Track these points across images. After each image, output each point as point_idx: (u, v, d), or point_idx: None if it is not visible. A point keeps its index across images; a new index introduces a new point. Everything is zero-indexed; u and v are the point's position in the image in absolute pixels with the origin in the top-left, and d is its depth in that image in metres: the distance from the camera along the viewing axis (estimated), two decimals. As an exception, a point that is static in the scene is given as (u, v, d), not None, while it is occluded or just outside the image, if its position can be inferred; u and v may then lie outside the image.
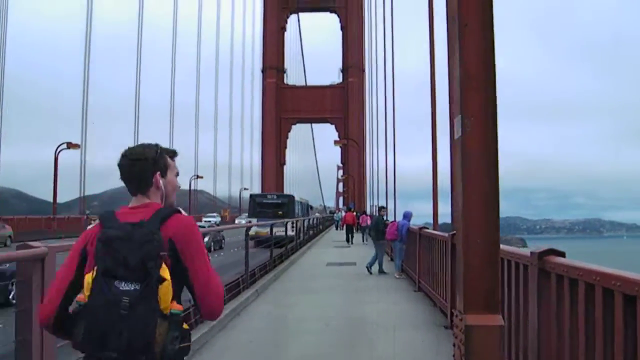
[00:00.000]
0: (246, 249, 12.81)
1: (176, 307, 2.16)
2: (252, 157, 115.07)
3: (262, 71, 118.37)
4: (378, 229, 17.14)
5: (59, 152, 50.02)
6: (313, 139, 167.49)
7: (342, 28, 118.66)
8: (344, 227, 36.82)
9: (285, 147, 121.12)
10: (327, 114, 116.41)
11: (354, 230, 36.42)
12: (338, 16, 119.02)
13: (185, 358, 2.23)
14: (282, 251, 19.46)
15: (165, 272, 2.13)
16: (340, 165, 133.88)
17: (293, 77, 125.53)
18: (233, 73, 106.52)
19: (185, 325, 2.20)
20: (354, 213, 40.62)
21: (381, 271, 16.76)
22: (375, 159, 49.15)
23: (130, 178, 2.43)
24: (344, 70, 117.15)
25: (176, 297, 2.19)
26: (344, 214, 56.58)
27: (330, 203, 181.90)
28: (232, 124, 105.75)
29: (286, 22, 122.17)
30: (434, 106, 16.10)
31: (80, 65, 63.99)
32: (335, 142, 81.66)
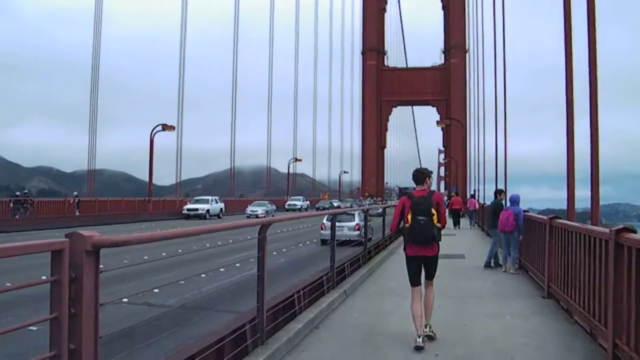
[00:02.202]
0: (332, 239, 10.56)
1: (438, 224, 7.06)
2: (352, 140, 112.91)
3: (362, 53, 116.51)
4: (496, 215, 14.36)
5: (155, 134, 49.71)
6: (414, 121, 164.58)
7: (443, 8, 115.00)
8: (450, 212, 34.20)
9: (386, 130, 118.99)
10: (428, 96, 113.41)
11: (461, 216, 34.44)
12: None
13: None
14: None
15: (434, 212, 7.04)
16: (442, 148, 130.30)
17: (394, 59, 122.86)
18: (333, 56, 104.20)
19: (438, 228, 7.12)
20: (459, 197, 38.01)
21: (489, 264, 14.57)
22: (480, 141, 45.76)
23: (420, 178, 7.34)
24: (446, 51, 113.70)
25: (439, 221, 7.10)
26: (446, 198, 53.89)
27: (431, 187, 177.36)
28: (331, 107, 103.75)
29: (386, 3, 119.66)
30: (571, 71, 13.17)
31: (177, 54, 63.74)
32: (438, 123, 78.08)
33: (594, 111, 11.56)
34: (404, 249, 7.35)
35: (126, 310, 10.52)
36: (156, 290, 12.66)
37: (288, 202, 69.36)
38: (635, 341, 5.42)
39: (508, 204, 14.39)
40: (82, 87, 53.76)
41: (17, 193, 40.74)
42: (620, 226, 6.06)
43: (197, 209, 47.65)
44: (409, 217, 7.04)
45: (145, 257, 15.88)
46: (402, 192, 71.54)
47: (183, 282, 12.66)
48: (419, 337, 6.94)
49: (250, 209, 53.32)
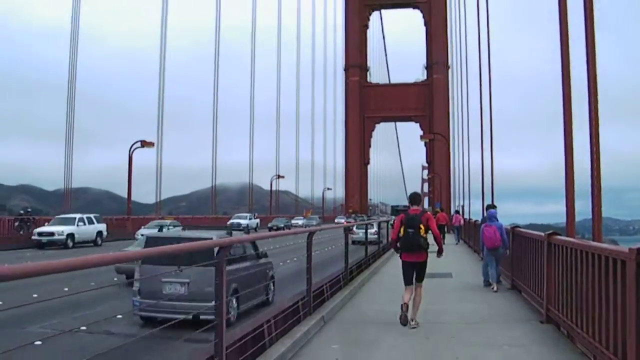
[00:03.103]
0: (308, 259, 9.53)
1: (425, 235, 9.08)
2: (335, 156, 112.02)
3: (345, 70, 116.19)
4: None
5: (133, 150, 48.51)
6: (397, 138, 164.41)
7: (425, 24, 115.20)
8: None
9: (369, 147, 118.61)
10: (411, 112, 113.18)
11: (446, 232, 33.46)
12: (421, 12, 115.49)
13: None
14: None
15: (422, 227, 9.05)
16: (426, 165, 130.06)
17: (376, 75, 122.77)
18: (315, 73, 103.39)
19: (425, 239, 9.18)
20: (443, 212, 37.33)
21: (489, 283, 13.64)
22: (465, 156, 45.18)
23: (416, 200, 9.57)
24: (428, 67, 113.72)
25: (425, 233, 9.11)
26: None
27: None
28: (314, 123, 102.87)
29: (368, 20, 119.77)
30: (569, 85, 12.37)
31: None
32: (422, 137, 77.35)
33: (595, 125, 10.75)
34: (400, 256, 9.51)
35: (83, 341, 9.48)
36: (119, 317, 11.65)
37: (230, 221, 57.00)
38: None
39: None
40: (65, 106, 52.26)
41: (21, 211, 39.32)
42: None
43: (52, 233, 32.78)
44: (402, 229, 9.27)
45: (92, 284, 14.95)
46: (395, 210, 75.75)
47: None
48: (403, 309, 8.99)
49: (141, 232, 35.16)
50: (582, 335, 6.93)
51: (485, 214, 15.31)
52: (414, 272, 9.23)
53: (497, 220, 13.64)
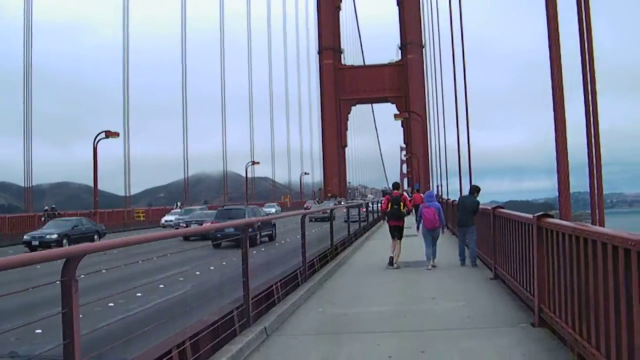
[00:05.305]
0: (244, 258, 7.68)
1: (403, 210, 14.77)
2: (312, 140, 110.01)
3: (318, 53, 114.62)
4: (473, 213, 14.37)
5: (98, 142, 46.15)
6: (374, 120, 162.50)
7: (398, 4, 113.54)
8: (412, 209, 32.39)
9: (346, 129, 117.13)
10: (387, 92, 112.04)
11: None
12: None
13: None
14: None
15: (401, 204, 14.68)
16: (403, 145, 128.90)
17: (350, 57, 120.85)
18: (288, 57, 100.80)
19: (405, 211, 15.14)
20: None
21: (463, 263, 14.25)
22: (441, 135, 43.60)
23: (396, 187, 16.19)
24: (403, 47, 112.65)
25: (403, 208, 14.80)
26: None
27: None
28: (289, 108, 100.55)
29: (340, 1, 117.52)
30: (558, 59, 10.60)
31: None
32: (397, 116, 75.14)
33: (592, 90, 9.11)
34: (387, 222, 15.22)
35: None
36: (38, 331, 9.71)
37: None
38: None
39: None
40: (50, 99, 50.07)
41: (46, 207, 44.67)
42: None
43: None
44: (389, 205, 14.65)
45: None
46: (384, 192, 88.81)
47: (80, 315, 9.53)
48: (391, 259, 14.20)
49: None
50: (591, 352, 5.19)
51: (472, 195, 15.12)
52: (396, 232, 14.38)
53: (435, 200, 15.19)
